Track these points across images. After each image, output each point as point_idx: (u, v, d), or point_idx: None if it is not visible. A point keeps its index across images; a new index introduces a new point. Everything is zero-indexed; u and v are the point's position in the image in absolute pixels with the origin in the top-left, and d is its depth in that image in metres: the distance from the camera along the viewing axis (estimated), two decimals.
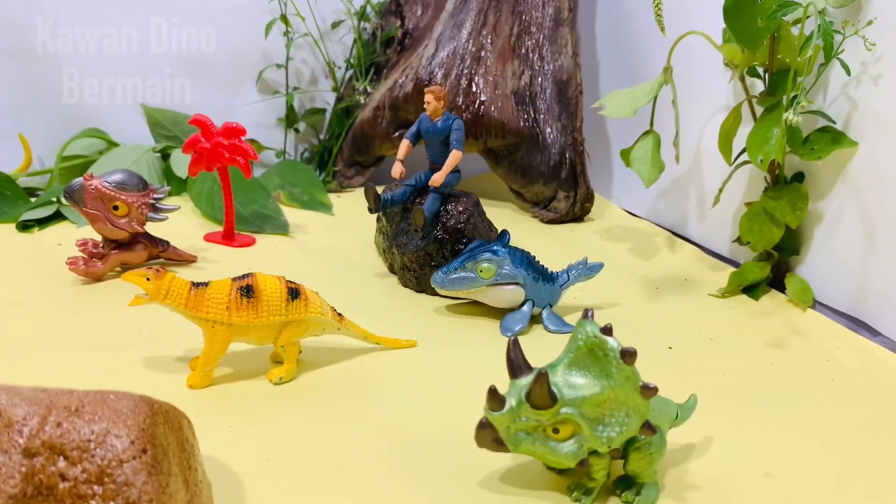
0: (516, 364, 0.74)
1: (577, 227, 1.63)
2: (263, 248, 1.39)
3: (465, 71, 1.59)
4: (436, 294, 1.20)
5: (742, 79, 1.32)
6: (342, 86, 1.82)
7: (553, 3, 1.66)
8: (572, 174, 1.61)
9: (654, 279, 1.36)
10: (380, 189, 1.24)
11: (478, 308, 1.17)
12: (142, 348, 0.98)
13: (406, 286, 1.25)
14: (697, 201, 1.56)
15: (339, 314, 0.97)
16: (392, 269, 1.29)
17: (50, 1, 1.61)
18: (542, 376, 0.69)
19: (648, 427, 0.71)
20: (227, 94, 1.77)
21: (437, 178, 1.18)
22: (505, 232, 1.14)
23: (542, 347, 1.05)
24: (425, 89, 1.18)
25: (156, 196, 1.19)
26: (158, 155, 1.64)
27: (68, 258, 1.17)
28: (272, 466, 0.77)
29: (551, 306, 1.15)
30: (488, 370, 1.00)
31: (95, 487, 0.56)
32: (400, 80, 1.63)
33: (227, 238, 1.38)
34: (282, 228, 1.46)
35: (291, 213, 1.54)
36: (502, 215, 1.66)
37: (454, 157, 1.18)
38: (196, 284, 0.88)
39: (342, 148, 1.79)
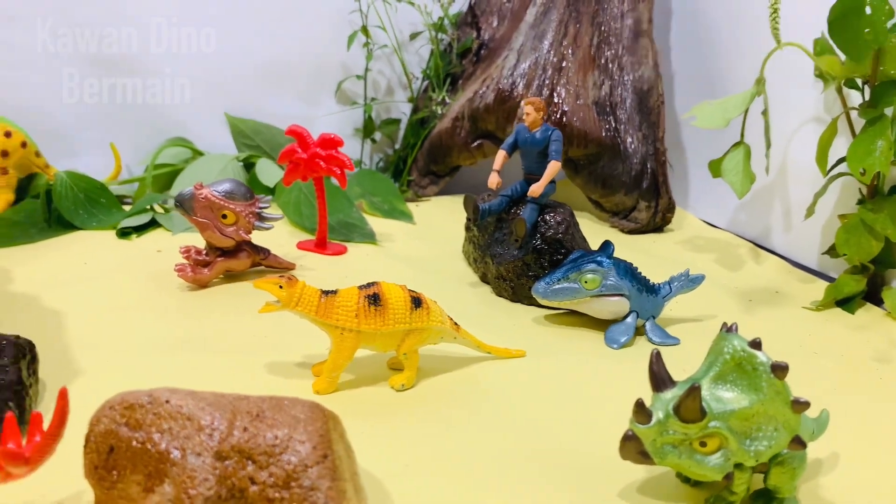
0: (660, 378, 0.74)
1: (657, 237, 1.63)
2: (354, 256, 1.41)
3: (547, 81, 1.60)
4: (532, 304, 1.21)
5: (839, 90, 1.31)
6: (417, 96, 1.84)
7: (632, 14, 1.67)
8: (654, 184, 1.61)
9: (745, 291, 1.35)
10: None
11: (576, 318, 1.18)
12: (260, 353, 1.00)
13: (500, 296, 1.26)
14: (783, 212, 1.55)
15: (456, 323, 0.98)
16: (485, 279, 1.30)
17: (137, 9, 1.65)
18: (696, 390, 0.69)
19: (798, 442, 0.71)
20: (307, 105, 1.80)
21: (537, 189, 1.19)
22: (609, 243, 1.14)
23: (640, 359, 1.07)
24: (525, 100, 1.20)
25: (261, 205, 1.22)
26: (241, 164, 1.68)
27: (176, 265, 1.20)
28: (412, 472, 0.78)
29: (654, 318, 1.15)
30: (598, 381, 1.01)
31: (283, 492, 0.57)
32: (480, 91, 1.65)
33: (320, 246, 1.40)
34: (369, 237, 1.48)
35: (374, 222, 1.56)
36: (581, 225, 1.65)
37: (553, 167, 1.19)
38: (325, 292, 0.90)
39: (417, 158, 1.80)
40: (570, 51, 1.63)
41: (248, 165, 1.68)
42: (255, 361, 0.98)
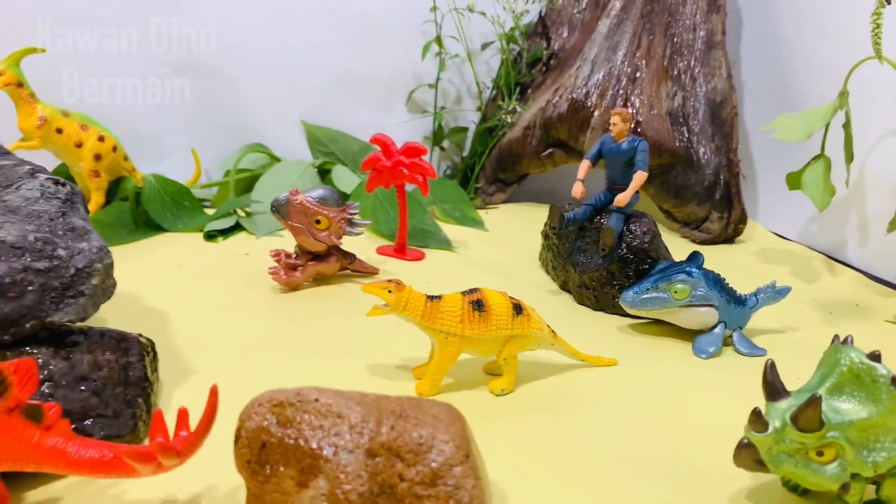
0: (775, 387, 0.75)
1: (729, 248, 1.63)
2: (433, 262, 1.44)
3: (621, 92, 1.62)
4: (615, 312, 1.23)
5: None
6: (486, 105, 1.87)
7: (705, 26, 1.68)
8: (727, 195, 1.61)
9: (825, 304, 1.35)
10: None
11: (660, 327, 1.19)
12: (359, 354, 1.03)
13: (582, 304, 1.27)
14: (859, 225, 1.54)
15: (553, 331, 1.00)
16: (565, 287, 1.32)
17: (221, 18, 1.70)
18: (817, 401, 0.70)
19: None
20: (380, 113, 1.84)
21: (623, 198, 1.21)
22: (698, 254, 1.15)
23: (729, 369, 1.08)
24: (612, 111, 1.21)
25: (351, 212, 1.25)
26: (316, 170, 1.72)
27: (270, 268, 1.24)
28: (524, 475, 0.80)
29: (741, 329, 1.15)
30: (690, 389, 1.02)
31: (430, 489, 0.60)
32: (553, 101, 1.67)
33: (399, 252, 1.43)
34: (445, 243, 1.50)
35: (446, 229, 1.58)
36: None
37: (640, 177, 1.20)
38: (430, 297, 0.92)
39: (485, 165, 1.83)
40: (643, 62, 1.64)
41: (323, 172, 1.73)
42: (355, 363, 1.01)
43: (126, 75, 1.67)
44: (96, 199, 1.50)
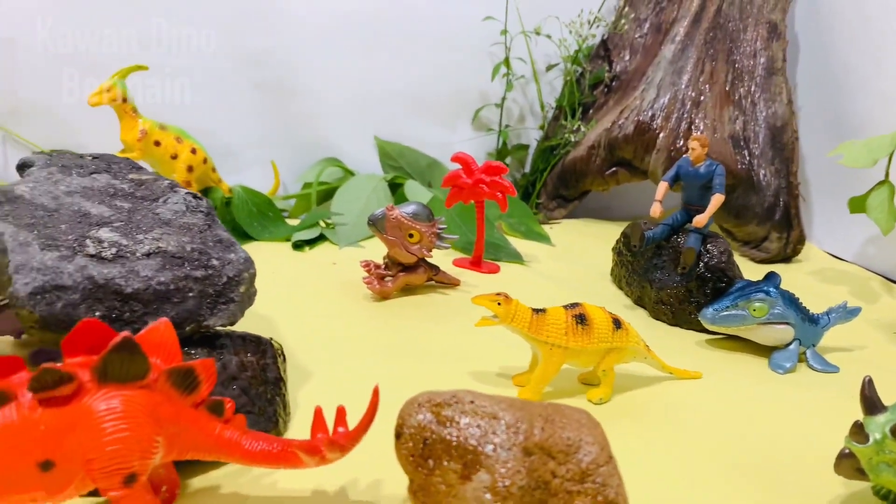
0: (872, 402, 0.81)
1: (786, 267, 1.68)
2: (508, 275, 1.50)
3: (686, 115, 1.68)
4: (691, 328, 1.29)
5: None
6: (548, 124, 1.94)
7: (765, 53, 1.74)
8: (786, 216, 1.67)
9: (888, 324, 1.40)
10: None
11: (734, 343, 1.25)
12: (458, 361, 1.10)
13: (658, 319, 1.33)
14: None
15: (646, 345, 1.06)
16: (640, 302, 1.38)
17: (299, 39, 1.78)
18: None
19: None
20: (446, 130, 1.92)
21: (702, 220, 1.27)
22: (775, 274, 1.21)
23: (805, 385, 1.14)
24: (692, 137, 1.28)
25: (440, 226, 1.32)
26: (387, 184, 1.79)
27: (365, 277, 1.31)
28: (632, 481, 0.86)
29: (814, 346, 1.21)
30: (773, 402, 1.08)
31: (579, 486, 0.66)
32: (619, 122, 1.74)
33: (476, 264, 1.50)
34: (516, 257, 1.57)
35: (514, 243, 1.65)
36: None
37: (718, 200, 1.27)
38: (535, 310, 0.99)
39: (546, 182, 1.90)
40: (706, 87, 1.71)
41: (394, 185, 1.80)
42: (456, 368, 1.08)
43: (211, 91, 1.75)
44: None
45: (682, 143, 1.67)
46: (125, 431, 0.65)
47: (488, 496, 0.65)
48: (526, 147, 1.97)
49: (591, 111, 1.88)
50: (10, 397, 0.63)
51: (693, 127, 1.67)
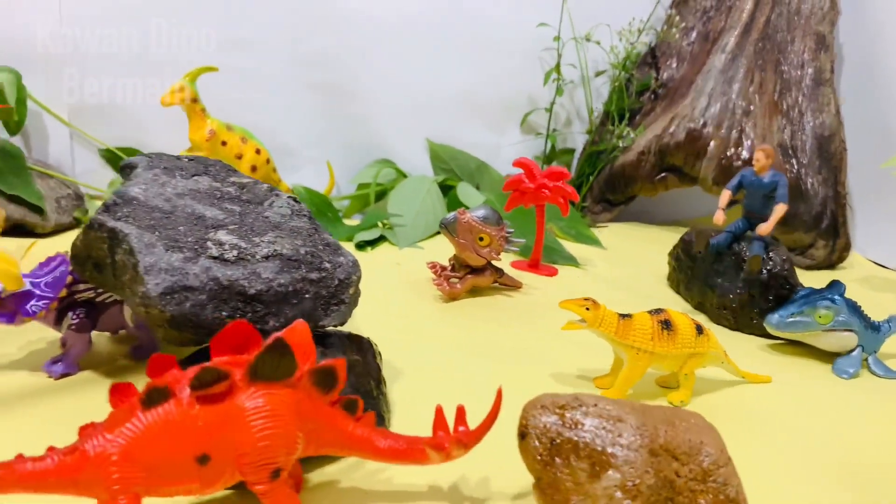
0: None
1: (832, 274, 1.72)
2: (565, 278, 1.54)
3: (736, 124, 1.72)
4: (752, 333, 1.33)
5: None
6: (594, 129, 1.97)
7: (813, 64, 1.77)
8: (833, 225, 1.71)
9: None
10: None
11: (796, 348, 1.28)
12: (535, 362, 1.13)
13: (719, 324, 1.37)
14: None
15: (724, 350, 1.10)
16: (700, 307, 1.41)
17: (355, 40, 1.81)
18: None
19: None
20: (495, 133, 1.95)
21: (766, 228, 1.30)
22: (839, 282, 1.25)
23: (870, 390, 1.17)
24: (758, 148, 1.31)
25: (508, 230, 1.36)
26: (438, 186, 1.82)
27: (434, 279, 1.34)
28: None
29: (875, 353, 1.25)
30: (843, 404, 1.11)
31: (702, 485, 0.70)
32: (670, 129, 1.77)
33: (533, 267, 1.54)
34: (571, 260, 1.60)
35: (566, 246, 1.69)
36: None
37: (781, 209, 1.30)
38: (622, 316, 1.03)
39: (593, 186, 1.93)
40: (756, 96, 1.74)
41: (444, 187, 1.83)
42: (535, 369, 1.11)
43: (271, 90, 1.78)
44: None
45: (732, 150, 1.70)
46: (274, 428, 0.68)
47: (619, 494, 0.69)
48: (572, 151, 2.00)
49: (637, 117, 1.92)
50: (171, 394, 0.66)
51: (743, 135, 1.71)
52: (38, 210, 1.44)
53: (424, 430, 0.77)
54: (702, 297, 1.41)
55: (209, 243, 0.86)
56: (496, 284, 1.42)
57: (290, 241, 0.91)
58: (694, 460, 0.71)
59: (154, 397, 0.66)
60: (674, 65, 1.90)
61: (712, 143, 1.71)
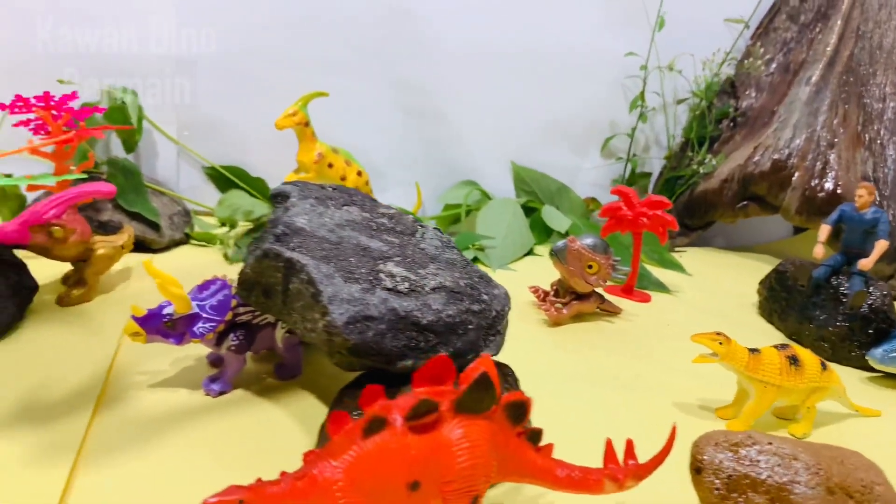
0: None
1: None
2: (658, 304, 1.58)
3: (820, 155, 1.75)
4: (850, 365, 1.36)
5: None
6: (673, 155, 2.01)
7: (894, 98, 1.81)
8: None
9: None
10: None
11: (893, 381, 1.32)
12: (656, 393, 1.17)
13: (817, 355, 1.40)
14: None
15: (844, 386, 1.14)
16: (795, 338, 1.45)
17: (447, 67, 1.87)
18: None
19: None
20: (576, 157, 2.00)
21: (867, 263, 1.34)
22: None
23: None
24: (860, 184, 1.35)
25: (614, 259, 1.40)
26: (521, 208, 1.87)
27: (539, 304, 1.39)
28: None
29: None
30: None
31: None
32: (754, 158, 1.81)
33: (628, 292, 1.58)
34: (661, 286, 1.65)
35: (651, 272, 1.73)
36: None
37: (883, 245, 1.34)
38: (751, 350, 1.07)
39: (670, 211, 1.97)
40: (840, 129, 1.78)
41: (526, 209, 1.88)
42: (656, 399, 1.15)
43: (364, 112, 1.84)
44: None
45: (816, 181, 1.74)
46: (476, 458, 0.73)
47: None
48: (648, 175, 2.05)
49: (716, 144, 1.96)
50: (387, 423, 0.71)
51: (827, 167, 1.74)
52: (155, 226, 1.49)
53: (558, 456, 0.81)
54: (798, 328, 1.44)
55: (381, 275, 0.91)
56: (597, 310, 1.46)
57: (450, 274, 0.96)
58: (868, 498, 0.75)
59: (374, 426, 0.70)
60: (752, 94, 1.95)
61: (797, 174, 1.75)
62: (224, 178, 1.69)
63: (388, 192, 1.85)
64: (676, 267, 1.78)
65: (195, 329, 0.98)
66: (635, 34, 1.89)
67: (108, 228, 1.42)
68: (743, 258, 1.96)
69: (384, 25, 1.79)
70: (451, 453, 0.73)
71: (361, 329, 0.85)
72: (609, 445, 0.82)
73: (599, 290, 1.46)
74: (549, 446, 0.82)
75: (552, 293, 1.43)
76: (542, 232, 1.83)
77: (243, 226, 1.60)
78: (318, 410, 1.02)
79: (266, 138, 1.66)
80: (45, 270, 1.30)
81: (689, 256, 1.92)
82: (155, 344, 0.99)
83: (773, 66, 1.93)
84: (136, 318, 0.96)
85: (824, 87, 1.81)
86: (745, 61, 1.90)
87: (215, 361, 1.10)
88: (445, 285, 0.93)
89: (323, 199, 1.08)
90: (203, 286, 1.04)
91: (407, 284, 0.91)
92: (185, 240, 1.58)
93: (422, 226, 1.07)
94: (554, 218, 1.81)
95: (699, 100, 1.94)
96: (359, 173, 1.64)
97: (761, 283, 1.56)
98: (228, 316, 1.00)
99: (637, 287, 1.63)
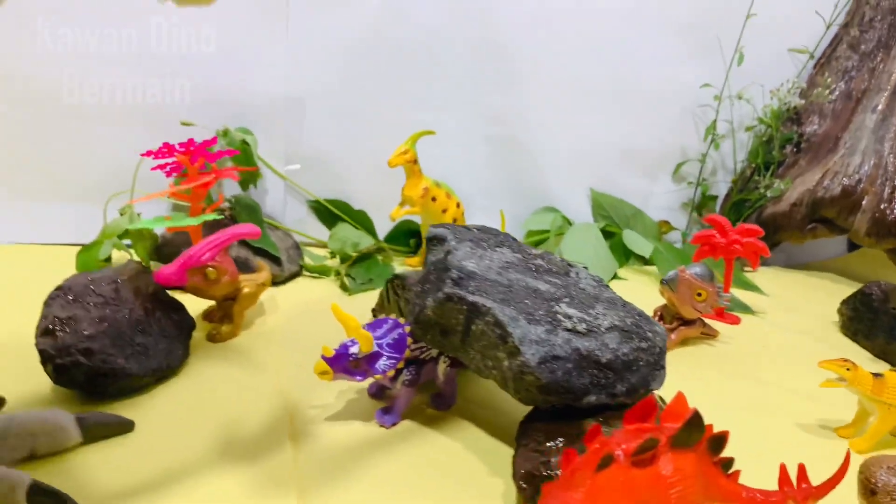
0: None
1: None
2: (748, 325, 1.66)
3: (888, 180, 1.85)
4: None
5: None
6: (739, 179, 2.11)
7: None
8: None
9: None
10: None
11: None
12: (774, 414, 1.26)
13: None
14: None
15: None
16: (883, 356, 1.54)
17: (530, 98, 1.95)
18: None
19: None
20: (648, 181, 2.09)
21: None
22: None
23: None
24: None
25: (719, 286, 1.49)
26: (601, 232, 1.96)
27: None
28: None
29: None
30: None
31: None
32: (824, 184, 1.91)
33: (719, 315, 1.66)
34: (746, 308, 1.73)
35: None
36: None
37: None
38: (874, 375, 1.16)
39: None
40: None
41: (605, 233, 1.97)
42: (775, 421, 1.23)
43: (451, 145, 1.92)
44: None
45: (885, 205, 1.84)
46: (687, 489, 0.81)
47: None
48: (714, 198, 2.14)
49: (781, 168, 2.05)
50: (614, 459, 0.79)
51: (895, 192, 1.84)
52: (277, 261, 1.58)
53: None
54: (885, 347, 1.53)
55: (559, 316, 1.00)
56: (700, 335, 1.55)
57: (616, 313, 1.04)
58: None
59: (605, 462, 0.79)
60: (815, 120, 2.04)
61: (866, 199, 1.85)
62: (327, 211, 1.78)
63: (473, 219, 1.94)
64: (753, 288, 1.87)
65: (378, 366, 1.06)
66: (705, 65, 1.98)
67: (237, 264, 1.50)
68: (808, 276, 2.05)
69: (475, 62, 1.88)
70: (667, 485, 0.81)
71: (552, 368, 0.94)
72: (783, 470, 0.90)
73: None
74: (737, 472, 0.90)
75: (656, 318, 1.51)
76: (622, 255, 1.92)
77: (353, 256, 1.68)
78: (483, 438, 1.09)
79: (366, 172, 1.74)
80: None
81: (760, 277, 2.01)
82: (311, 377, 1.07)
83: (836, 93, 2.02)
84: (325, 358, 1.04)
85: (890, 115, 1.91)
86: (815, 91, 2.00)
87: (377, 394, 1.18)
88: (616, 325, 1.01)
89: (477, 242, 1.16)
90: (373, 325, 1.12)
91: (584, 325, 0.99)
92: (300, 272, 1.67)
93: (570, 265, 1.16)
94: (636, 242, 1.90)
95: (765, 127, 2.04)
96: (458, 205, 1.73)
97: (844, 302, 1.65)
98: (406, 353, 1.09)
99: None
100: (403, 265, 1.79)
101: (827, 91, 1.99)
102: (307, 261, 1.69)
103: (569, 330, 0.98)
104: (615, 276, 1.85)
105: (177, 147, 1.39)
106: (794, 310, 1.77)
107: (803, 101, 2.02)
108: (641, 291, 1.78)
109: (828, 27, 2.05)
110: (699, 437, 0.84)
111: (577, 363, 0.95)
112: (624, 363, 0.98)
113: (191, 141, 1.39)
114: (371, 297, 1.60)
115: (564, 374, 0.94)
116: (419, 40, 1.83)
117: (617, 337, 1.00)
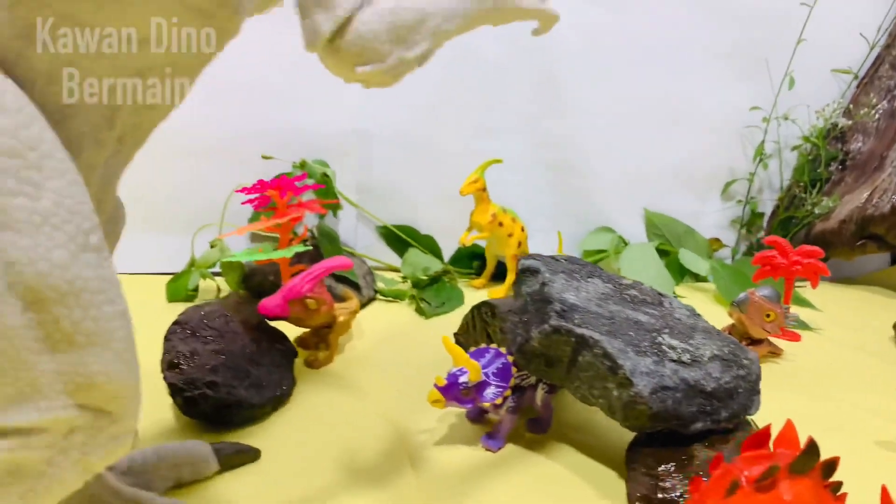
0: None
1: None
2: (808, 341, 1.72)
3: None
4: None
5: None
6: (785, 196, 2.17)
7: None
8: None
9: None
10: None
11: None
12: (850, 432, 1.31)
13: None
14: None
15: None
16: None
17: (586, 123, 2.02)
18: None
19: None
20: (698, 201, 2.15)
21: None
22: None
23: None
24: None
25: (785, 306, 1.55)
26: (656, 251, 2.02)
27: None
28: None
29: None
30: None
31: None
32: (873, 201, 1.97)
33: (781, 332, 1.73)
34: (803, 324, 1.79)
35: None
36: None
37: None
38: None
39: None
40: None
41: (659, 252, 2.03)
42: (853, 440, 1.28)
43: (509, 170, 1.98)
44: (510, 279, 1.82)
45: None
46: None
47: None
48: (762, 215, 2.20)
49: (827, 186, 2.11)
50: (740, 485, 0.86)
51: None
52: (356, 286, 1.64)
53: None
54: None
55: (664, 347, 1.06)
56: (767, 353, 1.61)
57: (713, 343, 1.10)
58: None
59: (733, 488, 0.85)
60: (860, 138, 2.10)
61: None
62: (395, 237, 1.84)
63: (531, 241, 2.00)
64: (806, 304, 1.93)
65: (486, 394, 1.13)
66: (752, 88, 2.05)
67: None
68: (855, 290, 2.11)
69: (533, 92, 1.95)
70: None
71: (662, 398, 1.00)
72: (885, 492, 0.97)
73: None
74: (844, 495, 0.96)
75: None
76: (677, 273, 1.98)
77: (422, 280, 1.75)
78: (585, 461, 1.15)
79: (432, 198, 1.81)
80: None
81: (806, 291, 2.07)
82: (411, 401, 1.14)
83: (879, 112, 2.09)
84: (438, 387, 1.10)
85: None
86: (861, 111, 2.06)
87: (476, 418, 1.24)
88: (717, 354, 1.08)
89: (570, 273, 1.23)
90: (476, 353, 1.18)
91: (688, 356, 1.05)
92: (374, 296, 1.73)
93: (662, 295, 1.22)
94: (692, 261, 1.96)
95: (811, 146, 2.10)
96: (522, 229, 1.79)
97: None
98: (512, 382, 1.15)
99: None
100: (469, 286, 1.85)
101: (871, 110, 2.05)
102: (380, 285, 1.76)
103: (674, 361, 1.04)
104: (673, 295, 1.91)
105: (268, 182, 1.46)
106: (847, 325, 1.83)
107: (849, 122, 2.08)
108: (700, 308, 1.83)
109: (871, 48, 2.11)
110: (815, 464, 0.90)
111: (685, 392, 1.01)
112: (726, 391, 1.04)
113: (284, 177, 1.46)
114: (445, 320, 1.67)
115: (674, 403, 1.00)
116: (481, 73, 1.90)
117: (719, 366, 1.06)
